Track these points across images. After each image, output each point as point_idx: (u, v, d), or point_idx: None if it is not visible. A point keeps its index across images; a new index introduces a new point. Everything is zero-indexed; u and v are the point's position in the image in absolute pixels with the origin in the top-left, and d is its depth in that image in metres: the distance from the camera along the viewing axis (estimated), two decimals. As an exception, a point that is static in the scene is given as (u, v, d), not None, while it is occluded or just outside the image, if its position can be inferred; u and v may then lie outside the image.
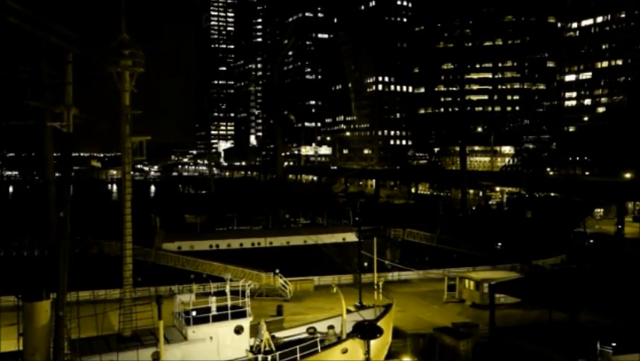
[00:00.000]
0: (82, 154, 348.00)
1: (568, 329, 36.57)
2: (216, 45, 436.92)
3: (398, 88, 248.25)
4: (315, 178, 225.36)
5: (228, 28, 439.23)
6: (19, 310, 24.62)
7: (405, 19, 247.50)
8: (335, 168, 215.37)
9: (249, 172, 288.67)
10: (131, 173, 36.12)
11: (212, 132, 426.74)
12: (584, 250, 76.83)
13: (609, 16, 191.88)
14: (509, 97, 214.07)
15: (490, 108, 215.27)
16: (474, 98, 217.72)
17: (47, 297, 24.69)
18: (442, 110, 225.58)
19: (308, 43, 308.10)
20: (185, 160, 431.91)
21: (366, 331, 34.18)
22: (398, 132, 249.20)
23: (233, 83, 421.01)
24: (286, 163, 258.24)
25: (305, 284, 59.43)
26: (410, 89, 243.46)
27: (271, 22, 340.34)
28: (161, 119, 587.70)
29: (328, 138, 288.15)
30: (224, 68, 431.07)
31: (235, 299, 33.43)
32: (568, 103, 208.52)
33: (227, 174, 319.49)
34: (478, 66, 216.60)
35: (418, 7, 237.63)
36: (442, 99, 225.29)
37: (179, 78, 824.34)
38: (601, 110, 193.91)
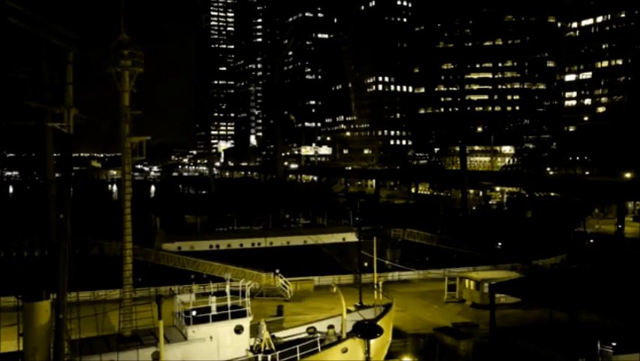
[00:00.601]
0: (82, 154, 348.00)
1: (568, 329, 36.55)
2: (216, 45, 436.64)
3: (398, 88, 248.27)
4: (315, 178, 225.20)
5: (228, 28, 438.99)
6: (19, 310, 24.59)
7: (405, 19, 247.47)
8: (349, 168, 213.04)
9: (249, 172, 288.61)
10: (131, 173, 36.10)
11: (212, 132, 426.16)
12: (584, 250, 76.79)
13: (609, 16, 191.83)
14: (509, 97, 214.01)
15: (490, 108, 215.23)
16: (474, 98, 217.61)
17: (47, 297, 24.65)
18: (442, 110, 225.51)
19: (308, 43, 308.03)
20: (186, 160, 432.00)
21: (366, 330, 34.12)
22: (398, 132, 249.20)
23: (234, 83, 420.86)
24: (294, 165, 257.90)
25: (305, 284, 59.37)
26: (410, 89, 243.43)
27: (271, 22, 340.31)
28: (161, 119, 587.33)
29: (328, 138, 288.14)
30: (224, 68, 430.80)
31: (235, 299, 33.40)
32: (568, 103, 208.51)
33: (227, 174, 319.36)
34: (478, 66, 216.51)
35: (418, 7, 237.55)
36: (442, 99, 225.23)
37: (179, 78, 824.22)
38: (601, 110, 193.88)
